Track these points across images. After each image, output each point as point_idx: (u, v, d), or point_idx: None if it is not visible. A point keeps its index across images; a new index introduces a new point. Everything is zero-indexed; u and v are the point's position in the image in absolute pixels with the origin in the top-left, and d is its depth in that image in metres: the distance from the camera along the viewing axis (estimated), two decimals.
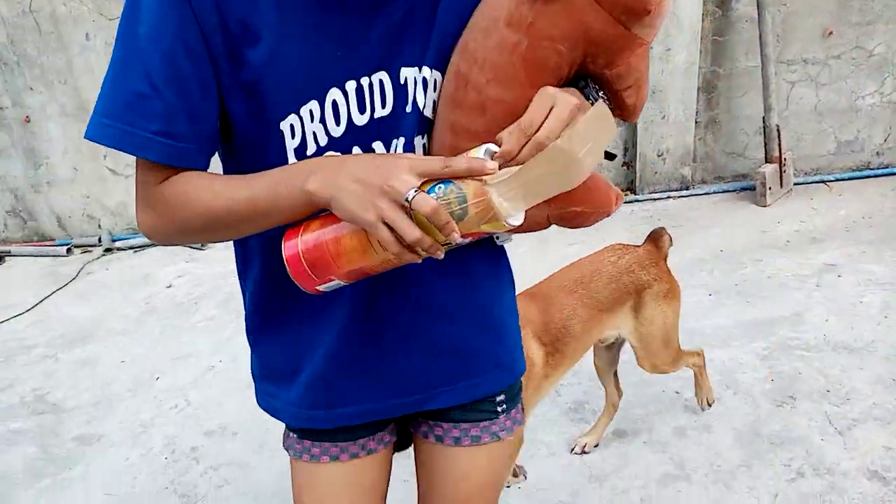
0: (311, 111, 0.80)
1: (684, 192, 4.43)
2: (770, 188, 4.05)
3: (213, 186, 0.80)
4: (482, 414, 1.04)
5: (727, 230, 3.80)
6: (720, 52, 4.27)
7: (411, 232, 0.68)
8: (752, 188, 4.19)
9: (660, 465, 2.12)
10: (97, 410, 2.68)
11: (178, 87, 0.76)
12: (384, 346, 0.96)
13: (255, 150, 0.84)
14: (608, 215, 0.91)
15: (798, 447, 2.13)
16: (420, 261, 0.73)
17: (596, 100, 0.83)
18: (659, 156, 4.37)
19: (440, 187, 0.70)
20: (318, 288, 0.78)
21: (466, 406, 1.03)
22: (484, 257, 1.00)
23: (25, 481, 2.32)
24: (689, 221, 3.99)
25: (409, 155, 0.74)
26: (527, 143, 0.74)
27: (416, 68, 0.83)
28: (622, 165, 4.49)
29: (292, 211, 0.77)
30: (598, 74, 0.84)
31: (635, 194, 4.45)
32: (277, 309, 0.96)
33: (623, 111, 0.88)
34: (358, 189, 0.69)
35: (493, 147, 0.75)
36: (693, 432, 2.25)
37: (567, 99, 0.76)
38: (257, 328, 1.01)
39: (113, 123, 0.77)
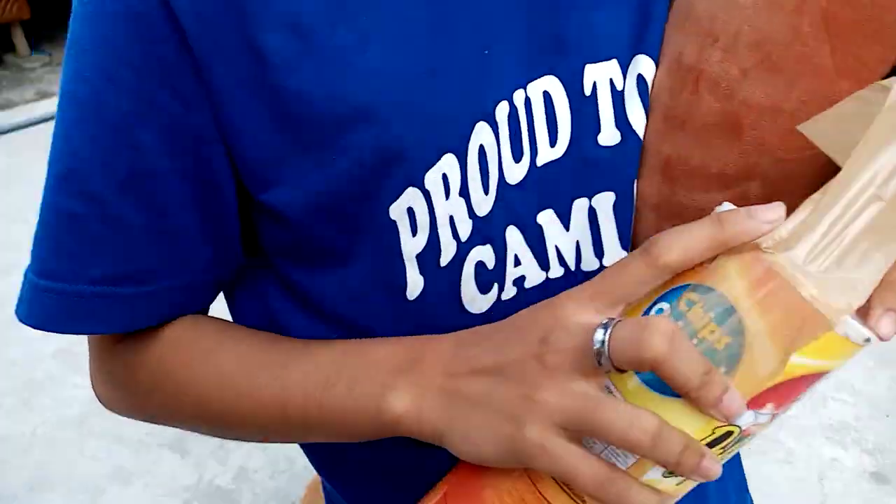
0: (444, 176, 0.39)
1: None
2: None
3: (219, 360, 0.44)
4: None
5: None
6: None
7: (670, 437, 0.31)
8: None
9: None
10: None
11: (142, 187, 0.39)
12: None
13: (336, 270, 0.43)
14: None
15: None
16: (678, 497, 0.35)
17: None
18: None
19: (663, 306, 0.33)
20: None
21: None
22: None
23: None
24: None
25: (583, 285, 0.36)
26: None
27: (616, 62, 0.39)
28: None
29: (360, 434, 0.42)
30: None
31: None
32: None
33: None
34: (502, 394, 0.35)
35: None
36: None
37: None
38: None
39: (45, 284, 0.41)
